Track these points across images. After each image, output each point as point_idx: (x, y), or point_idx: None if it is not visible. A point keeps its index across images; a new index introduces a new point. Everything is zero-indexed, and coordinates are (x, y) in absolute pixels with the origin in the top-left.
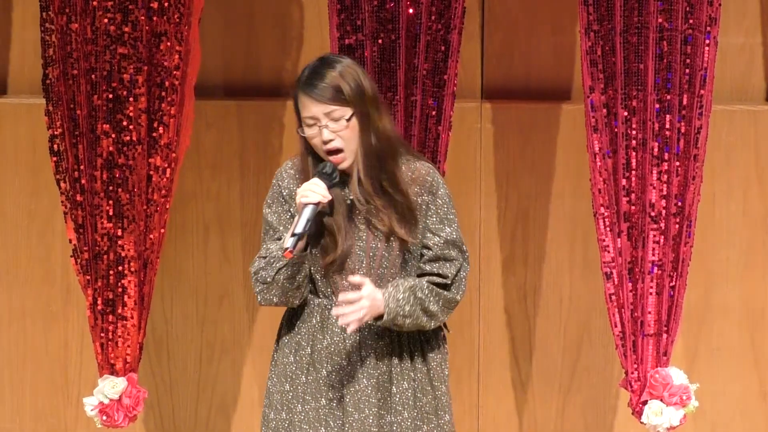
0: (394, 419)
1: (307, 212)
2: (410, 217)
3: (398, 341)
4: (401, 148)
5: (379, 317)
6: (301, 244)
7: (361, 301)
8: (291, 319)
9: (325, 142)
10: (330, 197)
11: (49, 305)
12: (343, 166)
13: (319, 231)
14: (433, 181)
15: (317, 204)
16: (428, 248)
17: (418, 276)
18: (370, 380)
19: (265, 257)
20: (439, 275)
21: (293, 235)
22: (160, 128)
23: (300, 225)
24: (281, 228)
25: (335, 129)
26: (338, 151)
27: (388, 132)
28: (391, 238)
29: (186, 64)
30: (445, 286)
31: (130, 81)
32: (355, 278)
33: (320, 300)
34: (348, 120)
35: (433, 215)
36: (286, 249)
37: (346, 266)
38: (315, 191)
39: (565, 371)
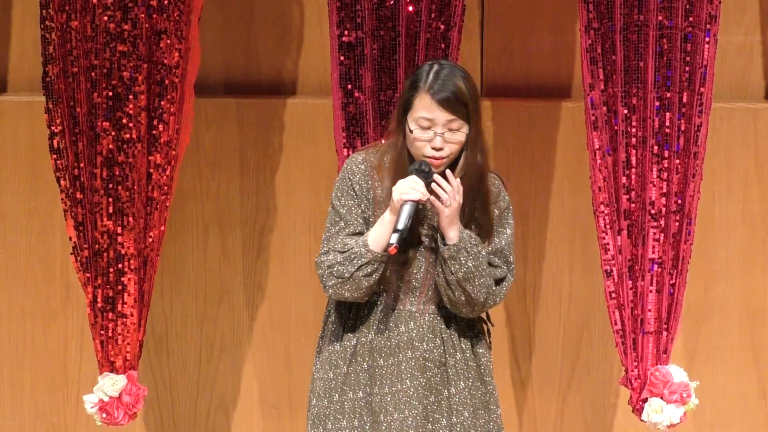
0: (457, 420)
1: (408, 209)
2: (487, 235)
3: (450, 342)
4: None
5: (447, 245)
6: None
7: (458, 190)
8: (339, 309)
9: (434, 148)
10: (429, 195)
11: (48, 303)
12: (437, 170)
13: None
14: (497, 191)
15: (417, 202)
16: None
17: None
18: (414, 381)
19: (343, 252)
20: (490, 263)
21: (396, 231)
22: (160, 126)
23: (402, 221)
24: (352, 222)
25: (449, 139)
26: (440, 158)
27: (486, 145)
28: None
29: (186, 61)
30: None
31: (130, 79)
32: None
33: (370, 296)
34: (465, 134)
35: None
36: (391, 245)
37: (404, 270)
38: (415, 189)
39: (564, 369)
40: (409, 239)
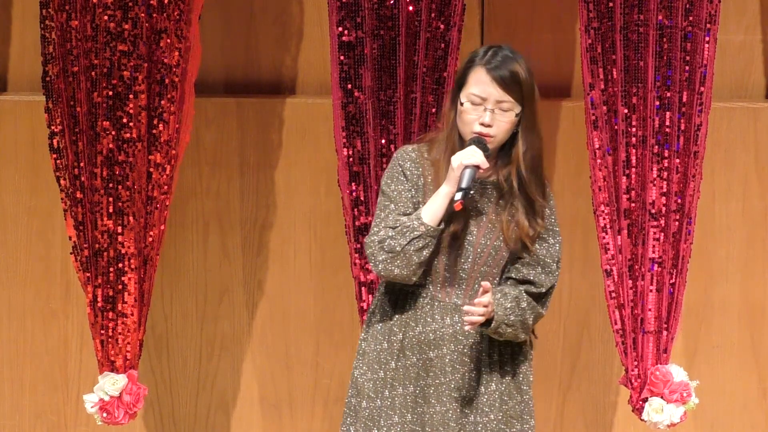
0: (480, 420)
1: (469, 172)
2: (538, 221)
3: (490, 341)
4: None
5: (485, 323)
6: (445, 214)
7: (488, 306)
8: (385, 307)
9: (483, 124)
10: (488, 164)
11: (48, 302)
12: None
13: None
14: (548, 191)
15: (477, 167)
16: (530, 252)
17: (508, 278)
18: (455, 375)
19: (394, 227)
20: (533, 283)
21: (460, 189)
22: (160, 125)
23: (465, 181)
24: (402, 204)
25: (498, 118)
26: (488, 136)
27: (542, 138)
28: (501, 238)
29: (186, 61)
30: (538, 297)
31: (130, 78)
32: (485, 283)
33: (417, 288)
34: (516, 116)
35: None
36: (456, 201)
37: (451, 259)
38: (475, 155)
39: (564, 368)
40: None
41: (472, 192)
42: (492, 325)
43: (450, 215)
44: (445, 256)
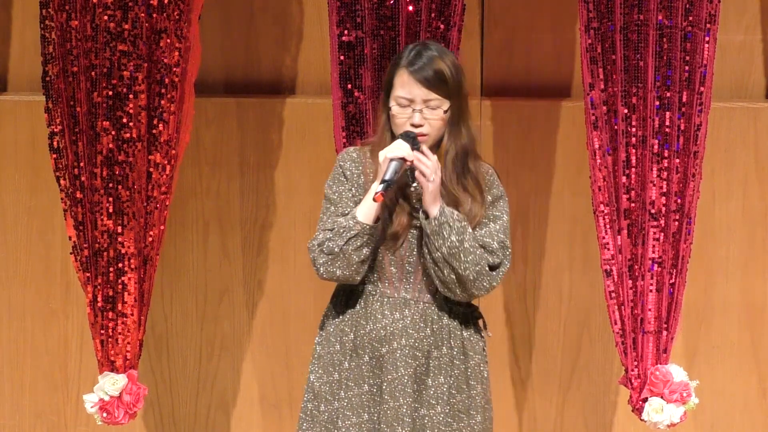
0: (427, 413)
1: (393, 165)
2: (476, 216)
3: (440, 334)
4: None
5: (427, 216)
6: (379, 210)
7: (435, 165)
8: (336, 308)
9: (414, 125)
10: (414, 157)
11: (48, 302)
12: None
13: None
14: (490, 179)
15: (402, 159)
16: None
17: None
18: (407, 369)
19: (332, 229)
20: None
21: (383, 181)
22: (160, 125)
23: (388, 173)
24: (342, 205)
25: (428, 116)
26: (422, 135)
27: (473, 131)
28: None
29: (186, 61)
30: None
31: (130, 78)
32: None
33: (365, 286)
34: (444, 112)
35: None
36: (377, 193)
37: (396, 253)
38: (401, 148)
39: (564, 368)
40: (397, 213)
41: (414, 185)
42: (435, 213)
43: (390, 210)
44: (389, 251)
